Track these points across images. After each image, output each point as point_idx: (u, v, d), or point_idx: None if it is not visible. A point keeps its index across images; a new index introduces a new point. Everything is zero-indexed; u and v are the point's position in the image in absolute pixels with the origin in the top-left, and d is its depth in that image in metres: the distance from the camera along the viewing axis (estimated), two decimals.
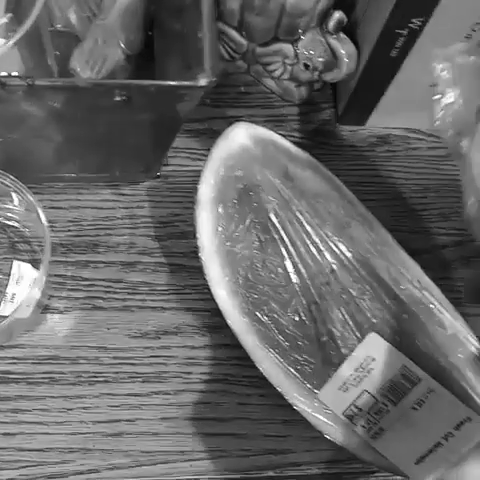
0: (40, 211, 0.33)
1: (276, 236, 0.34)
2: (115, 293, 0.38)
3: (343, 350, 0.32)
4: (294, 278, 0.33)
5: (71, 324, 0.36)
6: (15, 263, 0.36)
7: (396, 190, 0.43)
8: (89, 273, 0.38)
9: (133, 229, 0.39)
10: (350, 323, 0.32)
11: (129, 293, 0.38)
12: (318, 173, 0.36)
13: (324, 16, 0.38)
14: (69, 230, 0.39)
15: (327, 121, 0.45)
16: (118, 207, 0.40)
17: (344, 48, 0.39)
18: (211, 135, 0.42)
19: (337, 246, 0.33)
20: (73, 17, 0.40)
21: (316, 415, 0.32)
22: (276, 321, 0.33)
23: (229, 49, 0.42)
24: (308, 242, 0.33)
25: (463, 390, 0.30)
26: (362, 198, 0.37)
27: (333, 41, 0.39)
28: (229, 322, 0.34)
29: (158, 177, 0.41)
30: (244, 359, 0.34)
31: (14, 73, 0.31)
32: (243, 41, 0.40)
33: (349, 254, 0.33)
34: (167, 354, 0.37)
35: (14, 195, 0.34)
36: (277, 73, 0.42)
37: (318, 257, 0.33)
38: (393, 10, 0.34)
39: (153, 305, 0.38)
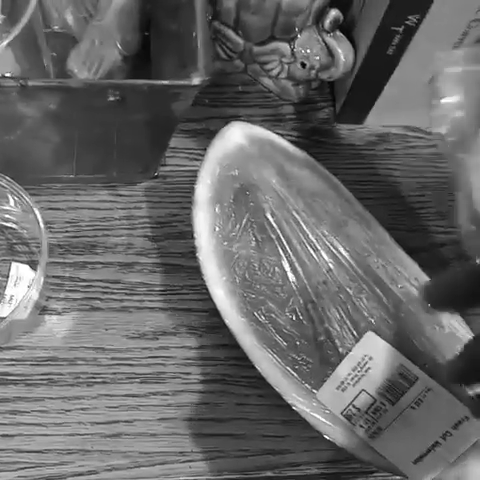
0: (37, 212, 0.33)
1: (273, 235, 0.33)
2: (113, 294, 0.38)
3: (340, 349, 0.32)
4: (291, 277, 0.33)
5: (69, 325, 0.36)
6: (13, 265, 0.36)
7: (394, 188, 0.42)
8: (87, 274, 0.38)
9: (131, 230, 0.39)
10: (347, 322, 0.32)
11: (127, 294, 0.38)
12: (315, 172, 0.36)
13: (320, 14, 0.38)
14: (67, 231, 0.39)
15: (325, 120, 0.44)
16: (116, 208, 0.40)
17: (341, 46, 0.39)
18: (209, 135, 0.42)
19: (334, 245, 0.33)
20: (70, 18, 0.40)
21: (314, 415, 0.32)
22: (274, 321, 0.33)
23: (226, 48, 0.41)
24: (305, 241, 0.33)
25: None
26: (360, 197, 0.37)
27: (330, 39, 0.39)
28: (227, 322, 0.34)
29: (156, 177, 0.41)
30: (242, 359, 0.34)
31: (7, 74, 0.31)
32: (240, 40, 0.40)
33: (346, 253, 0.33)
34: (165, 355, 0.37)
35: (10, 196, 0.34)
36: (274, 72, 0.42)
37: (315, 256, 0.33)
38: (389, 7, 0.34)
39: (151, 306, 0.38)
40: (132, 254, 0.39)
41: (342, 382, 0.32)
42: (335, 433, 0.32)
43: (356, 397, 0.31)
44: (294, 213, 0.33)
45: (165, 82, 0.27)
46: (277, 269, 0.33)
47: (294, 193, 0.34)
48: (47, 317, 0.36)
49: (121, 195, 0.40)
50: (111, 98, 0.27)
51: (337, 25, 0.38)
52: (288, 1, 0.36)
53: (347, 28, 0.40)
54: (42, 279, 0.34)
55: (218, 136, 0.34)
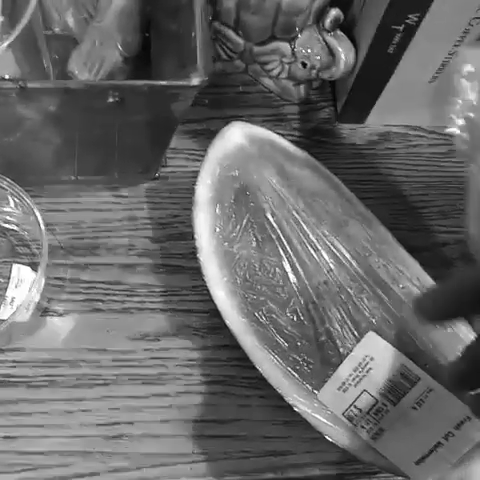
0: (37, 214, 0.33)
1: (273, 236, 0.33)
2: (114, 295, 0.38)
3: (342, 350, 0.32)
4: (292, 278, 0.33)
5: (71, 327, 0.36)
6: (15, 266, 0.36)
7: (396, 188, 0.42)
8: (88, 275, 0.38)
9: (132, 231, 0.39)
10: (348, 322, 0.32)
11: (128, 295, 0.38)
12: (316, 172, 0.36)
13: (321, 14, 0.38)
14: (68, 233, 0.39)
15: (326, 120, 0.44)
16: (117, 209, 0.40)
17: (341, 45, 0.39)
18: (209, 136, 0.41)
19: (334, 245, 0.33)
20: (71, 20, 0.40)
21: (316, 416, 0.32)
22: (274, 321, 0.33)
23: (226, 49, 0.41)
24: (305, 241, 0.33)
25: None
26: (361, 196, 0.37)
27: (330, 39, 0.39)
28: (228, 323, 0.34)
29: (157, 178, 0.41)
30: (244, 360, 0.34)
31: (7, 76, 0.31)
32: (240, 40, 0.40)
33: (347, 253, 0.33)
34: (167, 356, 0.36)
35: (11, 198, 0.34)
36: (275, 72, 0.42)
37: (315, 256, 0.33)
38: (389, 6, 0.34)
39: (152, 307, 0.38)
40: (133, 255, 0.39)
41: (343, 383, 0.31)
42: (337, 434, 0.32)
43: (357, 398, 0.31)
44: (294, 213, 0.33)
45: (164, 82, 0.27)
46: (278, 269, 0.33)
47: (294, 193, 0.34)
48: (49, 319, 0.36)
49: (122, 196, 0.40)
50: (111, 99, 0.27)
51: (338, 24, 0.38)
52: (288, 1, 0.36)
53: (348, 27, 0.40)
54: (43, 281, 0.34)
55: (218, 136, 0.34)
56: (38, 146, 0.34)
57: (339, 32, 0.39)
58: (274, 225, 0.33)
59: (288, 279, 0.33)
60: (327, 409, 0.32)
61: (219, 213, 0.34)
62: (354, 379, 0.31)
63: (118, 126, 0.32)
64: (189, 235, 0.38)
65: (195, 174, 0.35)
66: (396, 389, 0.31)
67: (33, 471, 0.33)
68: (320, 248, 0.33)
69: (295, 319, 0.33)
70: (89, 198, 0.40)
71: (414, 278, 0.33)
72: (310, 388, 0.32)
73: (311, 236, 0.33)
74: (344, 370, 0.31)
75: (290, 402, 0.32)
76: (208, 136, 0.42)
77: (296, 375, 0.33)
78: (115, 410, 0.35)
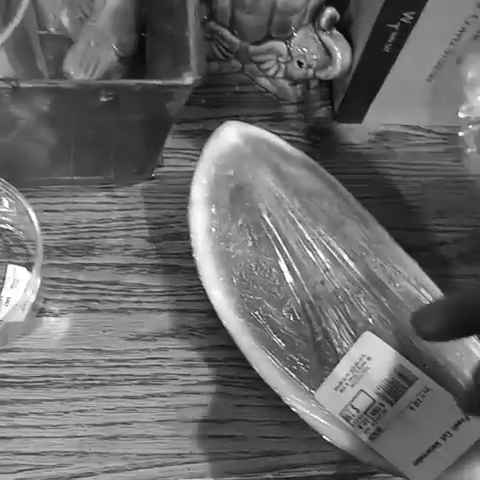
0: (32, 214, 0.32)
1: (269, 235, 0.33)
2: (110, 295, 0.37)
3: (338, 350, 0.32)
4: (288, 277, 0.33)
5: (66, 327, 0.36)
6: (10, 267, 0.36)
7: (394, 187, 0.42)
8: (84, 276, 0.38)
9: (128, 231, 0.39)
10: (345, 322, 0.32)
11: (124, 295, 0.38)
12: (313, 171, 0.35)
13: (316, 13, 0.38)
14: (64, 233, 0.39)
15: (324, 119, 0.44)
16: (113, 209, 0.40)
17: (337, 45, 0.39)
18: (206, 135, 0.41)
19: (330, 245, 0.33)
20: (66, 20, 0.40)
21: (313, 416, 0.32)
22: (271, 321, 0.33)
23: (222, 48, 0.41)
24: (301, 241, 0.33)
25: (461, 389, 0.30)
26: (359, 196, 0.36)
27: (326, 38, 0.39)
28: (224, 323, 0.33)
29: (153, 178, 0.41)
30: (241, 360, 0.34)
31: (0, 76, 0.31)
32: (235, 40, 0.40)
33: (343, 252, 0.33)
34: (163, 356, 0.36)
35: (5, 198, 0.34)
36: (271, 71, 0.42)
37: (311, 256, 0.33)
38: (384, 4, 0.34)
39: (149, 307, 0.37)
40: (129, 255, 0.39)
41: (340, 382, 0.31)
42: (334, 434, 0.32)
43: (355, 397, 0.31)
44: (290, 213, 0.33)
45: (158, 82, 0.27)
46: (274, 269, 0.33)
47: (290, 192, 0.34)
48: (44, 319, 0.36)
49: (118, 196, 0.40)
50: (104, 99, 0.27)
51: (333, 23, 0.38)
52: (283, 0, 0.36)
53: (344, 26, 0.40)
54: (38, 281, 0.34)
55: (213, 136, 0.34)
56: (33, 146, 0.34)
57: (335, 31, 0.39)
58: (270, 225, 0.33)
59: (284, 279, 0.33)
60: (324, 409, 0.32)
61: (215, 213, 0.34)
62: (351, 379, 0.31)
63: (113, 126, 0.32)
64: (185, 235, 0.38)
65: (191, 174, 0.35)
66: (393, 389, 0.30)
67: (29, 471, 0.33)
68: (316, 248, 0.33)
69: (292, 319, 0.33)
70: (85, 198, 0.40)
71: (411, 278, 0.33)
72: (307, 388, 0.32)
73: (307, 236, 0.33)
74: (341, 370, 0.31)
75: (287, 402, 0.32)
76: (204, 136, 0.42)
77: (293, 375, 0.32)
78: (111, 410, 0.35)
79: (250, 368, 0.33)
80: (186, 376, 0.36)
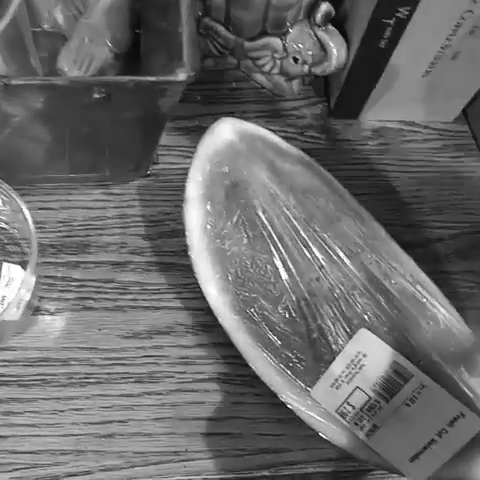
0: (26, 212, 0.32)
1: (264, 232, 0.33)
2: (106, 293, 0.37)
3: (334, 347, 0.32)
4: (283, 274, 0.33)
5: (62, 325, 0.36)
6: (5, 265, 0.36)
7: (390, 183, 0.42)
8: (80, 274, 0.38)
9: (124, 229, 0.39)
10: (340, 319, 0.32)
11: (120, 293, 0.37)
12: (308, 168, 0.35)
13: (311, 8, 0.38)
14: (59, 231, 0.39)
15: (319, 115, 0.44)
16: (108, 207, 0.40)
17: (333, 40, 0.38)
18: (202, 132, 0.41)
19: (326, 241, 0.33)
20: (60, 17, 0.40)
21: (309, 413, 0.32)
22: (267, 318, 0.33)
23: (217, 45, 0.41)
24: (296, 238, 0.33)
25: (456, 385, 0.30)
26: (355, 192, 0.36)
27: (321, 33, 0.38)
28: (220, 320, 0.33)
29: (148, 176, 0.40)
30: (237, 358, 0.34)
31: None
32: (230, 36, 0.40)
33: (338, 249, 0.32)
34: (159, 354, 0.36)
35: None
36: (267, 68, 0.42)
37: (306, 253, 0.32)
38: (379, 0, 0.34)
39: (145, 305, 0.37)
40: (125, 253, 0.39)
41: (336, 379, 0.31)
42: (331, 431, 0.32)
43: (351, 394, 0.31)
44: (285, 209, 0.33)
45: (150, 78, 0.26)
46: (269, 266, 0.33)
47: (285, 189, 0.33)
48: (40, 317, 0.36)
49: (114, 194, 0.40)
50: (96, 95, 0.27)
51: (329, 19, 0.38)
52: None
53: (340, 22, 0.39)
54: (33, 279, 0.34)
55: (208, 132, 0.34)
56: (27, 144, 0.34)
57: (331, 27, 0.39)
58: (265, 222, 0.33)
59: (280, 276, 0.33)
60: (320, 406, 0.32)
61: (210, 210, 0.34)
62: (347, 376, 0.31)
63: (107, 123, 0.32)
64: (181, 232, 0.38)
65: (187, 171, 0.35)
66: (389, 386, 0.30)
67: (25, 470, 0.33)
68: (311, 245, 0.32)
69: (287, 316, 0.33)
70: (80, 196, 0.39)
71: (407, 274, 0.33)
72: (303, 385, 0.32)
73: (302, 233, 0.33)
74: (337, 367, 0.31)
75: (283, 400, 0.32)
76: (200, 133, 0.41)
77: (289, 372, 0.32)
78: (107, 409, 0.35)
79: (246, 365, 0.33)
80: (182, 374, 0.36)
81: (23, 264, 0.37)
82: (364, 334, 0.31)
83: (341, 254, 0.32)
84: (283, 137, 0.36)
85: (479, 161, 0.43)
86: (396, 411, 0.30)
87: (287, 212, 0.33)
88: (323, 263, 0.32)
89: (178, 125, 0.43)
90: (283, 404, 0.32)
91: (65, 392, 0.35)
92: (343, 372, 0.31)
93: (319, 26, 0.38)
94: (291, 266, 0.33)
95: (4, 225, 0.37)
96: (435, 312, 0.32)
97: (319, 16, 0.37)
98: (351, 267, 0.32)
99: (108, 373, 0.35)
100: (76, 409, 0.35)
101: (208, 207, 0.34)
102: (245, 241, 0.33)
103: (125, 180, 0.40)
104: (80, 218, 0.39)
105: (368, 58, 0.38)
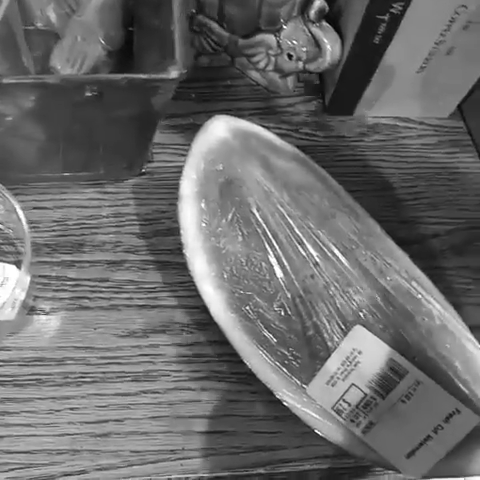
0: (20, 212, 0.32)
1: (259, 230, 0.33)
2: (101, 292, 0.37)
3: (329, 344, 0.32)
4: (278, 272, 0.33)
5: (57, 325, 0.36)
6: None
7: (385, 180, 0.42)
8: (75, 273, 0.37)
9: (119, 227, 0.39)
10: (335, 316, 0.32)
11: (115, 292, 0.37)
12: (303, 165, 0.35)
13: (305, 5, 0.37)
14: (54, 230, 0.38)
15: (314, 112, 0.44)
16: (103, 205, 0.39)
17: (327, 37, 0.38)
18: (196, 130, 0.41)
19: (320, 238, 0.32)
20: (52, 15, 0.40)
21: (305, 410, 0.32)
22: (262, 316, 0.33)
23: (211, 42, 0.41)
24: (290, 235, 0.33)
25: (451, 382, 0.30)
26: (350, 189, 0.36)
27: (316, 30, 0.38)
28: (216, 318, 0.33)
29: (143, 174, 0.40)
30: (233, 355, 0.34)
31: None
32: (224, 33, 0.40)
33: (333, 246, 0.32)
34: (155, 352, 0.36)
35: None
36: (261, 65, 0.42)
37: (301, 250, 0.32)
38: None
39: (140, 303, 0.37)
40: (120, 252, 0.38)
41: (332, 377, 0.31)
42: (327, 428, 0.32)
43: (346, 391, 0.31)
44: (279, 207, 0.33)
45: (142, 76, 0.26)
46: (264, 264, 0.33)
47: (279, 186, 0.33)
48: (35, 317, 0.36)
49: (108, 192, 0.40)
50: (88, 93, 0.27)
51: (323, 15, 0.38)
52: None
53: (334, 18, 0.39)
54: (28, 279, 0.34)
55: (201, 130, 0.34)
56: (20, 143, 0.33)
57: (325, 23, 0.39)
58: (259, 219, 0.33)
59: (274, 273, 0.33)
60: (316, 403, 0.32)
61: (205, 208, 0.34)
62: (342, 373, 0.31)
63: (100, 121, 0.32)
64: (176, 230, 0.38)
65: (181, 169, 0.35)
66: (384, 382, 0.30)
67: (21, 470, 0.33)
68: (306, 242, 0.32)
69: (282, 313, 0.33)
70: (74, 195, 0.39)
71: (402, 271, 0.33)
72: (299, 383, 0.32)
73: (297, 230, 0.33)
74: (332, 364, 0.31)
75: (279, 397, 0.32)
76: (194, 131, 0.41)
77: (285, 370, 0.32)
78: (103, 408, 0.35)
79: (242, 363, 0.33)
80: (178, 372, 0.36)
81: (18, 264, 0.36)
82: (359, 331, 0.31)
83: (336, 251, 0.32)
84: (278, 134, 0.36)
85: (474, 157, 0.43)
86: (392, 408, 0.30)
87: (281, 209, 0.33)
88: (318, 260, 0.32)
89: (172, 123, 0.42)
90: (279, 401, 0.32)
91: (61, 392, 0.35)
92: (338, 369, 0.31)
93: (313, 22, 0.38)
94: (286, 263, 0.32)
95: None
96: (430, 308, 0.32)
97: (313, 12, 0.37)
98: (346, 264, 0.32)
99: (104, 372, 0.35)
100: (72, 408, 0.34)
101: (202, 205, 0.34)
102: (240, 239, 0.33)
103: (120, 178, 0.40)
104: (75, 217, 0.39)
105: (362, 54, 0.38)
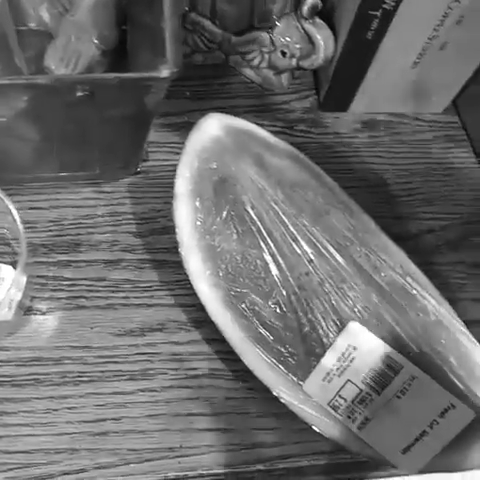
0: (14, 212, 0.32)
1: (253, 228, 0.33)
2: (98, 292, 0.37)
3: (325, 340, 0.32)
4: (273, 269, 0.33)
5: (55, 325, 0.36)
6: None
7: (380, 176, 0.42)
8: (71, 273, 0.38)
9: (115, 226, 0.39)
10: (331, 313, 0.32)
11: (112, 291, 0.37)
12: (297, 162, 0.35)
13: (298, 1, 0.37)
14: (50, 230, 0.38)
15: (309, 109, 0.44)
16: (99, 205, 0.39)
17: (320, 33, 0.38)
18: (191, 128, 0.41)
19: (314, 236, 0.33)
20: (45, 15, 0.40)
21: (302, 407, 0.32)
22: (258, 313, 0.33)
23: (204, 39, 0.41)
24: (285, 232, 0.33)
25: (447, 377, 0.30)
26: (345, 185, 0.36)
27: (309, 26, 0.38)
28: (212, 316, 0.33)
29: (138, 173, 0.40)
30: (230, 353, 0.34)
31: None
32: (217, 30, 0.40)
33: (327, 243, 0.32)
34: (152, 351, 0.36)
35: None
36: (255, 62, 0.42)
37: (295, 247, 0.32)
38: None
39: (137, 302, 0.37)
40: (117, 251, 0.38)
41: (328, 373, 0.31)
42: (323, 424, 0.32)
43: (342, 388, 0.31)
44: (273, 204, 0.33)
45: (133, 75, 0.26)
46: (259, 261, 0.33)
47: (273, 184, 0.33)
48: (32, 317, 0.36)
49: (104, 192, 0.40)
50: (80, 93, 0.27)
51: (315, 11, 0.38)
52: None
53: (327, 15, 0.39)
54: (24, 279, 0.34)
55: (195, 128, 0.34)
56: (14, 143, 0.33)
57: (318, 20, 0.39)
58: (254, 217, 0.33)
59: (270, 271, 0.33)
60: (313, 400, 0.32)
61: (199, 206, 0.34)
62: (338, 369, 0.31)
63: (93, 120, 0.32)
64: (172, 229, 0.38)
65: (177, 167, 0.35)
66: (380, 378, 0.30)
67: (19, 470, 0.33)
68: (300, 239, 0.32)
69: (278, 311, 0.33)
70: (70, 195, 0.39)
71: (397, 266, 0.33)
72: (295, 379, 0.32)
73: (291, 227, 0.33)
74: (328, 361, 0.31)
75: (276, 394, 0.32)
76: (189, 129, 0.41)
77: (281, 367, 0.32)
78: (101, 407, 0.35)
79: (239, 361, 0.33)
80: (175, 370, 0.36)
81: (14, 264, 0.36)
82: (354, 327, 0.31)
83: (330, 248, 0.32)
84: (273, 131, 0.36)
85: (469, 152, 0.43)
86: (387, 403, 0.30)
87: (275, 207, 0.33)
88: (312, 257, 0.32)
89: (167, 121, 0.43)
90: (276, 398, 0.33)
91: (58, 391, 0.35)
92: (334, 365, 0.31)
93: (306, 19, 0.38)
94: (281, 261, 0.33)
95: None
96: (425, 304, 0.32)
97: (306, 9, 0.37)
98: (340, 261, 0.32)
99: (101, 371, 0.36)
100: (70, 408, 0.35)
101: (197, 203, 0.34)
102: (235, 237, 0.33)
103: (115, 178, 0.40)
104: (71, 217, 0.39)
105: (356, 50, 0.38)
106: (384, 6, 0.34)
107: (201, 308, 0.34)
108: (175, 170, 0.35)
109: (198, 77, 0.44)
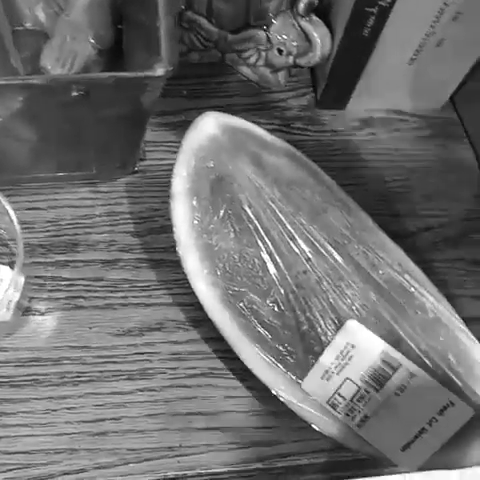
0: (11, 213, 0.32)
1: (250, 226, 0.33)
2: (96, 292, 0.37)
3: (323, 339, 0.32)
4: (271, 268, 0.33)
5: (53, 325, 0.36)
6: None
7: (379, 173, 0.42)
8: (69, 273, 0.38)
9: (112, 226, 0.39)
10: (329, 311, 0.32)
11: (110, 291, 0.37)
12: (294, 160, 0.35)
13: None
14: (48, 230, 0.38)
15: (306, 106, 0.44)
16: (96, 205, 0.39)
17: (317, 31, 0.38)
18: (188, 127, 0.41)
19: (312, 234, 0.32)
20: (41, 15, 0.40)
21: (301, 405, 0.32)
22: (256, 312, 0.33)
23: (200, 38, 0.41)
24: (282, 231, 0.33)
25: (445, 374, 0.30)
26: (343, 183, 0.36)
27: (305, 24, 0.38)
28: (210, 315, 0.33)
29: (136, 172, 0.40)
30: (229, 352, 0.34)
31: None
32: (213, 29, 0.40)
33: (325, 241, 0.32)
34: (151, 350, 0.36)
35: None
36: (252, 60, 0.42)
37: (293, 246, 0.32)
38: None
39: (135, 302, 0.37)
40: (115, 251, 0.38)
41: (326, 371, 0.31)
42: (323, 423, 0.32)
43: (341, 385, 0.31)
44: (270, 203, 0.33)
45: (128, 74, 0.26)
46: (257, 260, 0.33)
47: (270, 182, 0.33)
48: (30, 318, 0.36)
49: (101, 192, 0.40)
50: (75, 93, 0.26)
51: (312, 9, 0.38)
52: None
53: (324, 12, 0.39)
54: (22, 280, 0.34)
55: (191, 127, 0.34)
56: (11, 143, 0.33)
57: (314, 17, 0.38)
58: (251, 216, 0.33)
59: (267, 269, 0.33)
60: (312, 398, 0.32)
61: (196, 205, 0.34)
62: (336, 367, 0.31)
63: (89, 120, 0.32)
64: (170, 228, 0.37)
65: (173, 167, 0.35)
66: (378, 375, 0.30)
67: (19, 471, 0.33)
68: (298, 237, 0.32)
69: (276, 309, 0.33)
70: (67, 195, 0.39)
71: (395, 264, 0.33)
72: (294, 378, 0.32)
73: (288, 226, 0.33)
74: (326, 359, 0.31)
75: (275, 392, 0.32)
76: (186, 128, 0.41)
77: (280, 365, 0.32)
78: (100, 406, 0.35)
79: (237, 359, 0.33)
80: (174, 369, 0.36)
81: (12, 265, 0.36)
82: (352, 325, 0.31)
83: (328, 246, 0.32)
84: (270, 129, 0.36)
85: (467, 148, 0.43)
86: (386, 401, 0.30)
87: (273, 205, 0.33)
88: (310, 255, 0.32)
89: (164, 120, 0.42)
90: (275, 397, 0.33)
91: (57, 391, 0.35)
92: (333, 364, 0.31)
93: (302, 16, 0.38)
94: (278, 259, 0.32)
95: None
96: (424, 301, 0.32)
97: (302, 6, 0.37)
98: (338, 259, 0.32)
99: (100, 371, 0.35)
100: (69, 408, 0.35)
101: (194, 202, 0.34)
102: (232, 235, 0.33)
103: (112, 177, 0.40)
104: (68, 217, 0.39)
105: (352, 47, 0.38)
106: (380, 3, 0.34)
107: (199, 307, 0.34)
108: (172, 169, 0.35)
109: (195, 76, 0.44)
